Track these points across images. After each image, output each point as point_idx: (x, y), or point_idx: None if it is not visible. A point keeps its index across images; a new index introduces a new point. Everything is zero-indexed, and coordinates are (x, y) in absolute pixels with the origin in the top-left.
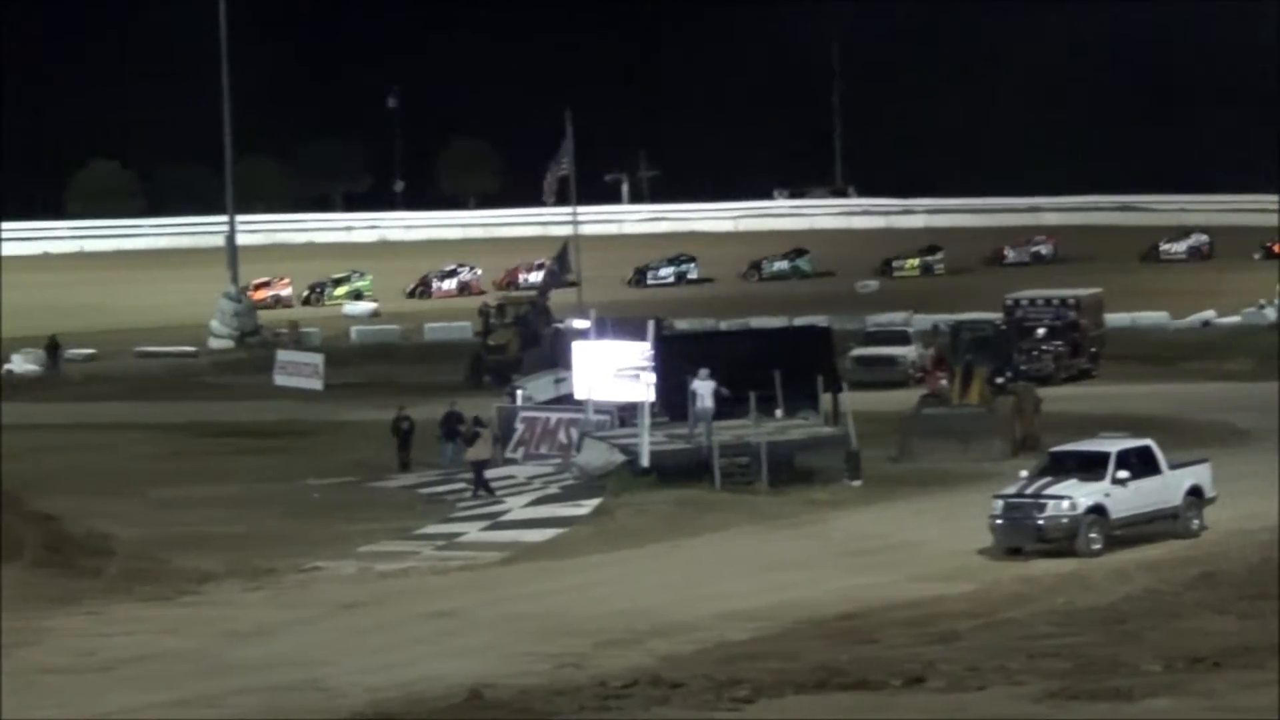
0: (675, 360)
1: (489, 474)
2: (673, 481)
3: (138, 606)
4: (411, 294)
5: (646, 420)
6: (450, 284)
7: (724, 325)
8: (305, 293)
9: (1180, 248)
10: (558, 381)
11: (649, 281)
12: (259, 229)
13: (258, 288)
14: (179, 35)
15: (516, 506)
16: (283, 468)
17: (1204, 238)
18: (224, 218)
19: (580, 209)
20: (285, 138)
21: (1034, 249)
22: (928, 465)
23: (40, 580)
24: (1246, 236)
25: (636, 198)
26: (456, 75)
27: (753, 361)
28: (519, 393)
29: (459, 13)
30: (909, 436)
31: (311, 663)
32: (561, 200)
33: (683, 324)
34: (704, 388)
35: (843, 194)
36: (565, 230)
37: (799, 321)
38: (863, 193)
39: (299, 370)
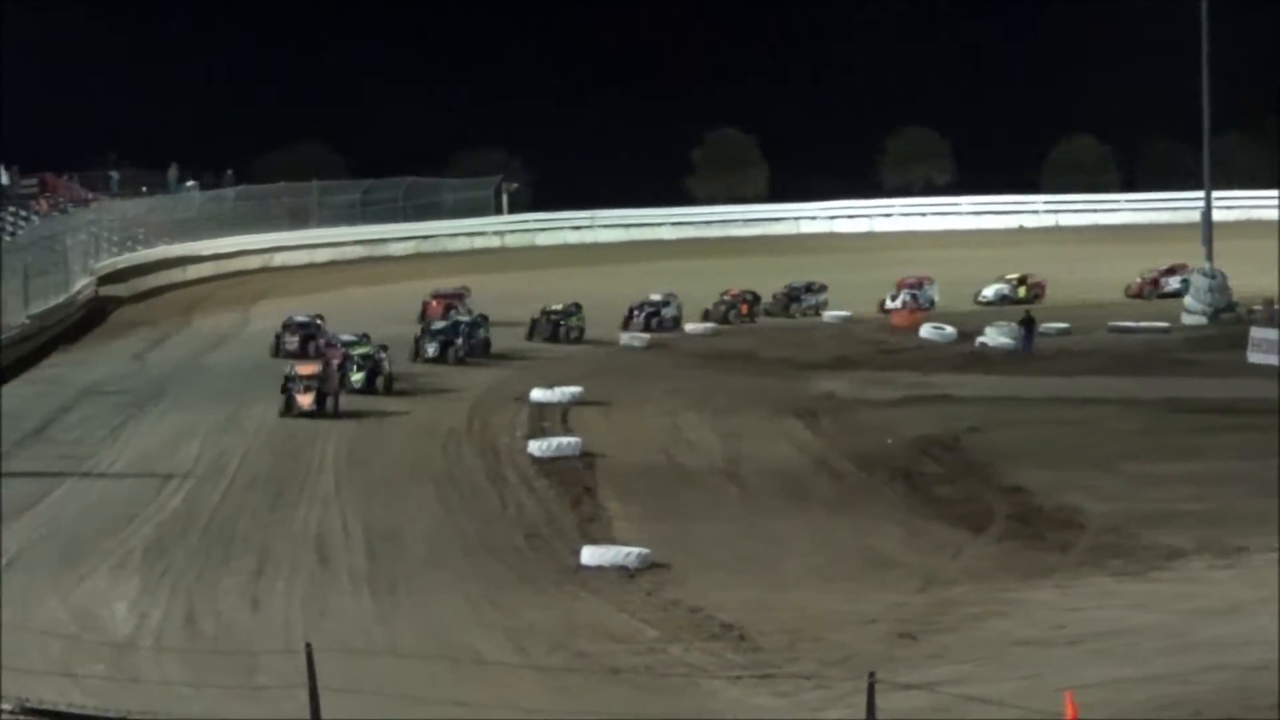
0: None
1: None
2: None
3: (1107, 581)
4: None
5: None
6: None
7: None
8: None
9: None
10: None
11: None
12: (1236, 205)
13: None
14: (1163, 6)
15: None
16: (1253, 445)
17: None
18: (1200, 193)
19: None
20: (1263, 112)
21: None
22: None
23: (1008, 552)
24: None
25: None
26: None
27: None
28: None
29: None
30: None
31: None
32: None
33: None
34: None
35: None
36: None
37: None
38: None
39: (1273, 348)
